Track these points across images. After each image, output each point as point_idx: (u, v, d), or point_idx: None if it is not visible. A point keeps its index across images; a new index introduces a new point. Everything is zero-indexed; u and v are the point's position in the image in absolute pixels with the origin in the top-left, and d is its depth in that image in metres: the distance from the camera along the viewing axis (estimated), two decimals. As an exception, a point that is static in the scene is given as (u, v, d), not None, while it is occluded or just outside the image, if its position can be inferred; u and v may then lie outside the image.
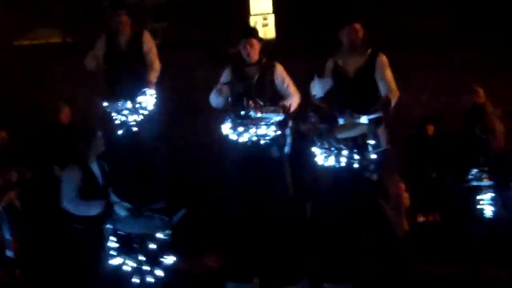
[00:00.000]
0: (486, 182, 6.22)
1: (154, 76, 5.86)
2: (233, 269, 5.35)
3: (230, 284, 5.32)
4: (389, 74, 5.01)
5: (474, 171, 6.28)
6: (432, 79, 8.56)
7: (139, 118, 5.71)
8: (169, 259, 4.68)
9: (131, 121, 5.71)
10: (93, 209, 4.88)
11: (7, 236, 6.14)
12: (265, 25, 10.53)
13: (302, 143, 5.50)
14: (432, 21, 8.54)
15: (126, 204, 5.02)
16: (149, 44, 5.99)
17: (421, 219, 7.39)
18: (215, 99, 5.41)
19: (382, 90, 4.97)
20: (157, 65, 5.95)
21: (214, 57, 7.21)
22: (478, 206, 6.15)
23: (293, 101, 5.35)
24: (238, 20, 9.62)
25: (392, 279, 4.90)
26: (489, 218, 6.11)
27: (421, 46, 8.30)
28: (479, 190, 6.19)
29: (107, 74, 5.90)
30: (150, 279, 4.59)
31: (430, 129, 7.92)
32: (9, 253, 6.05)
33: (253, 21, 10.08)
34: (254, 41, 5.37)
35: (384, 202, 4.91)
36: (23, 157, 6.48)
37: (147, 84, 5.74)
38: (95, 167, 5.09)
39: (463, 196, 6.43)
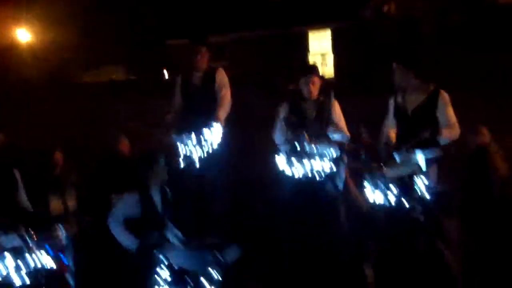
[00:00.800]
0: None
1: (222, 113, 5.74)
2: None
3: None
4: (450, 111, 4.84)
5: None
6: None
7: (203, 152, 5.62)
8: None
9: (194, 155, 5.62)
10: (125, 241, 4.81)
11: (71, 264, 6.20)
12: (323, 64, 10.59)
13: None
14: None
15: (180, 234, 4.98)
16: (223, 81, 5.93)
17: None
18: (279, 136, 5.37)
19: (443, 126, 4.80)
20: (227, 102, 5.85)
21: (274, 93, 7.26)
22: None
23: (346, 137, 5.30)
24: (298, 58, 9.72)
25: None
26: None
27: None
28: None
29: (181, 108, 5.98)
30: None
31: None
32: (71, 281, 6.09)
33: (312, 59, 10.16)
34: (316, 78, 5.39)
35: (443, 246, 4.71)
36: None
37: (214, 120, 5.66)
38: (156, 195, 5.07)
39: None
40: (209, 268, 4.70)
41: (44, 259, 5.01)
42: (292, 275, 5.21)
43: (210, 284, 4.60)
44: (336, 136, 5.23)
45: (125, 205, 4.95)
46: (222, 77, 5.96)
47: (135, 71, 8.68)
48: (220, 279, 4.68)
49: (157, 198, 5.09)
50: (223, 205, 6.02)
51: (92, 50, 8.42)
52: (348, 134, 5.32)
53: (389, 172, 4.71)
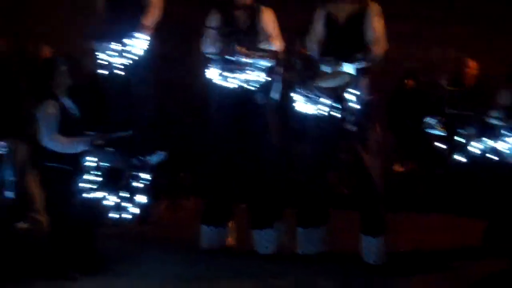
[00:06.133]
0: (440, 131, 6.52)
1: (149, 20, 5.60)
2: (209, 213, 5.36)
3: (205, 228, 5.34)
4: (379, 24, 4.94)
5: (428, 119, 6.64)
6: (424, 30, 8.50)
7: (126, 61, 5.49)
8: (145, 199, 4.75)
9: (117, 64, 5.50)
10: (80, 146, 4.72)
11: (10, 177, 5.97)
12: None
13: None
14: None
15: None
16: None
17: (398, 168, 7.59)
18: (209, 46, 5.26)
19: (369, 40, 4.91)
20: (156, 9, 5.69)
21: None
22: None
23: (278, 49, 5.29)
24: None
25: (367, 225, 4.97)
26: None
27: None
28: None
29: (105, 13, 5.79)
30: (127, 216, 4.66)
31: (409, 83, 8.11)
32: (9, 194, 5.89)
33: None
34: None
35: (363, 151, 4.91)
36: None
37: (140, 28, 5.51)
38: (67, 102, 4.95)
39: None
40: (135, 170, 4.80)
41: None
42: (217, 181, 5.33)
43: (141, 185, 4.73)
44: (269, 47, 5.20)
45: (47, 118, 4.77)
46: None
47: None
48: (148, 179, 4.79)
49: (70, 105, 4.95)
50: (150, 114, 5.96)
51: None
52: (280, 44, 5.30)
53: (324, 82, 4.80)
